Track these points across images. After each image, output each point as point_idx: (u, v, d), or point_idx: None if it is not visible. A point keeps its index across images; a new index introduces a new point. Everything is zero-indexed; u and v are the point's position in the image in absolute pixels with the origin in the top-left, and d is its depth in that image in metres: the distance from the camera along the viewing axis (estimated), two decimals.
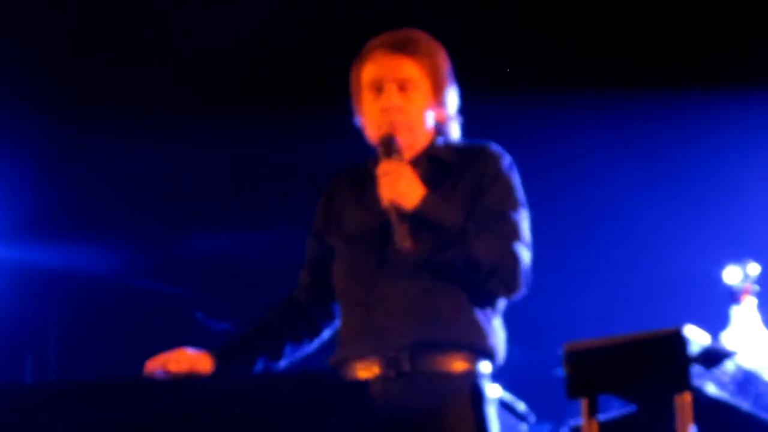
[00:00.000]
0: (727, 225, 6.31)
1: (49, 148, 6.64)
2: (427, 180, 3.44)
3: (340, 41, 3.82)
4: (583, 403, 3.00)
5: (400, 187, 3.36)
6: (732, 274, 3.51)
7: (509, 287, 3.39)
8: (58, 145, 6.65)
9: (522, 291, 3.41)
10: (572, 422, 3.48)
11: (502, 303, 3.50)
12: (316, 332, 3.65)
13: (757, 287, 3.49)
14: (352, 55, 3.65)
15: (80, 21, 6.41)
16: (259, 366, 3.55)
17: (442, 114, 3.57)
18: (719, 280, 3.54)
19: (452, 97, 3.59)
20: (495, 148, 3.56)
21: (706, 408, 2.99)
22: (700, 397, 2.94)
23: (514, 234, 3.41)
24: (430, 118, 3.56)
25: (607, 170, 6.51)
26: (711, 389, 2.96)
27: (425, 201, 3.36)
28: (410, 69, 3.52)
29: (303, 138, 6.50)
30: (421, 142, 3.55)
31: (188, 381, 3.78)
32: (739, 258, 3.58)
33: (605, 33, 6.49)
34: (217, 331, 6.47)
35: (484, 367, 3.40)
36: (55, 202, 6.71)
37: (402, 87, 3.51)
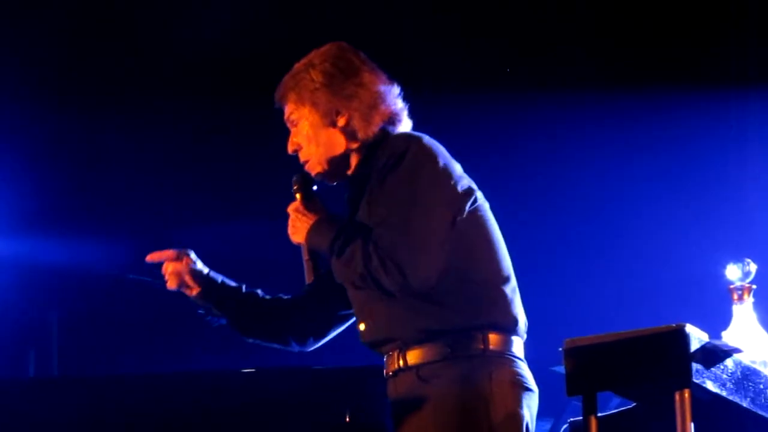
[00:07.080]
0: (730, 223, 6.31)
1: (52, 143, 6.65)
2: (357, 197, 3.53)
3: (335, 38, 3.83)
4: (583, 400, 3.01)
5: (291, 226, 3.53)
6: (733, 273, 3.51)
7: (385, 288, 3.35)
8: (61, 139, 6.66)
9: (412, 280, 3.33)
10: (571, 419, 3.48)
11: (491, 277, 3.46)
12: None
13: (754, 286, 3.49)
14: None
15: (80, 13, 6.42)
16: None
17: (342, 120, 3.53)
18: (720, 278, 3.54)
19: (348, 94, 3.53)
20: (392, 141, 3.49)
21: (705, 405, 3.00)
22: (699, 394, 2.95)
23: (385, 236, 3.34)
24: (333, 134, 3.55)
25: (610, 167, 6.51)
26: (710, 386, 2.96)
27: (308, 236, 3.50)
28: (288, 110, 3.60)
29: None
30: (350, 162, 3.56)
31: (194, 376, 3.81)
32: (740, 256, 3.58)
33: (609, 32, 6.50)
34: (219, 328, 6.47)
35: (477, 342, 3.40)
36: (58, 196, 6.71)
37: (291, 127, 3.60)
